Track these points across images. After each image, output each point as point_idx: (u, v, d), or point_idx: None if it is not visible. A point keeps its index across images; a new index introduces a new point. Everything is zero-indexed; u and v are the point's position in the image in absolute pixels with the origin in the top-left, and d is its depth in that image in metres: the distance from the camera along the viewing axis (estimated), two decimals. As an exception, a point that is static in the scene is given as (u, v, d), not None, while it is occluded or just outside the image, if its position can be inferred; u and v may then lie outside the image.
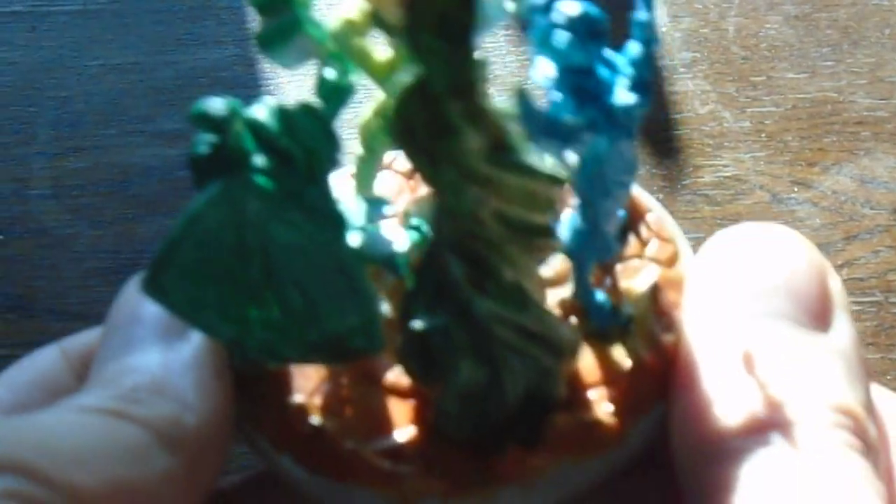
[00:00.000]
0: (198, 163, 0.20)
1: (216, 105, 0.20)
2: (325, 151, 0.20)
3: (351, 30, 0.21)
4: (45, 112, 0.75)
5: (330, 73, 0.21)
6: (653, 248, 0.25)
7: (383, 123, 0.22)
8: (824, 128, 0.68)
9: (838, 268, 0.62)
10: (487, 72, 0.19)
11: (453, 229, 0.20)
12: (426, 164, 0.20)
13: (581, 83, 0.20)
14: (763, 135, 0.68)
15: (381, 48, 0.21)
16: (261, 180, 0.20)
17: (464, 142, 0.19)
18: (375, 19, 0.20)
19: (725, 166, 0.67)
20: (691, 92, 0.70)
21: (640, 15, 0.20)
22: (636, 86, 0.20)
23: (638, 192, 0.26)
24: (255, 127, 0.20)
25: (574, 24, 0.19)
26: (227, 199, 0.20)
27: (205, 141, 0.20)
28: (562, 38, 0.19)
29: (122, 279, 0.66)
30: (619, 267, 0.25)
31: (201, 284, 0.20)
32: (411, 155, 0.20)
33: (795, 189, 0.65)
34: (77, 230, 0.69)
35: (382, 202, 0.24)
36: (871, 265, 0.62)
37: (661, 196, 0.66)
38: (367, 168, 0.24)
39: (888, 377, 0.57)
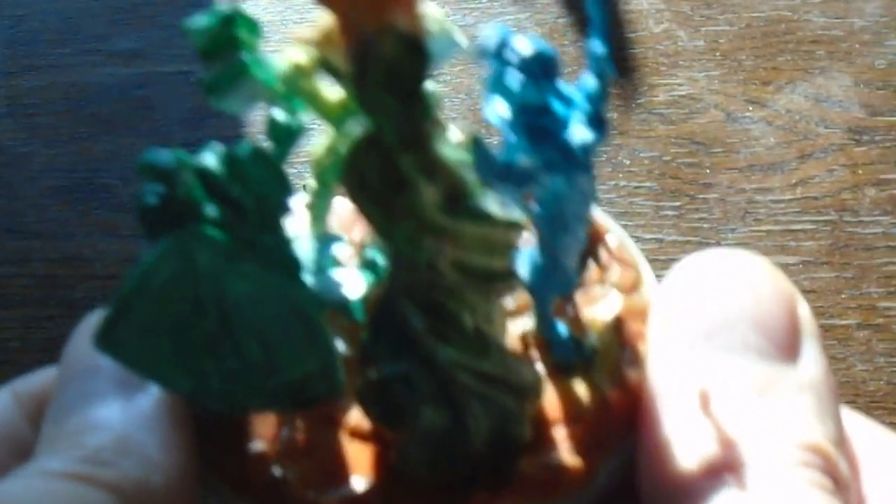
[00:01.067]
0: (147, 214, 0.20)
1: (163, 156, 0.20)
2: (277, 197, 0.20)
3: (299, 73, 0.21)
4: (-1, 31, 0.75)
5: (279, 115, 0.21)
6: (614, 273, 0.25)
7: (335, 159, 0.22)
8: (779, 46, 0.68)
9: (792, 186, 0.62)
10: (439, 118, 0.19)
11: (410, 279, 0.20)
12: (381, 217, 0.19)
13: (536, 122, 0.19)
14: (717, 53, 0.68)
15: (331, 88, 0.21)
16: (212, 232, 0.19)
17: (419, 195, 0.19)
18: (324, 64, 0.20)
19: (680, 85, 0.67)
20: (645, 10, 0.70)
21: (596, 48, 0.20)
22: (592, 120, 0.20)
23: (596, 213, 0.25)
24: (204, 176, 0.20)
25: (527, 64, 0.19)
26: (178, 253, 0.19)
27: (153, 192, 0.20)
28: (515, 78, 0.19)
29: (77, 198, 0.67)
30: (579, 295, 0.24)
31: (155, 338, 0.20)
32: (365, 208, 0.19)
33: (750, 108, 0.66)
34: (32, 149, 0.69)
35: (335, 239, 0.24)
36: (826, 184, 0.62)
37: (615, 115, 0.66)
38: (321, 202, 0.24)
39: (842, 296, 0.58)
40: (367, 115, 0.18)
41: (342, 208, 0.24)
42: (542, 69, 0.19)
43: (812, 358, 0.24)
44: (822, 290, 0.58)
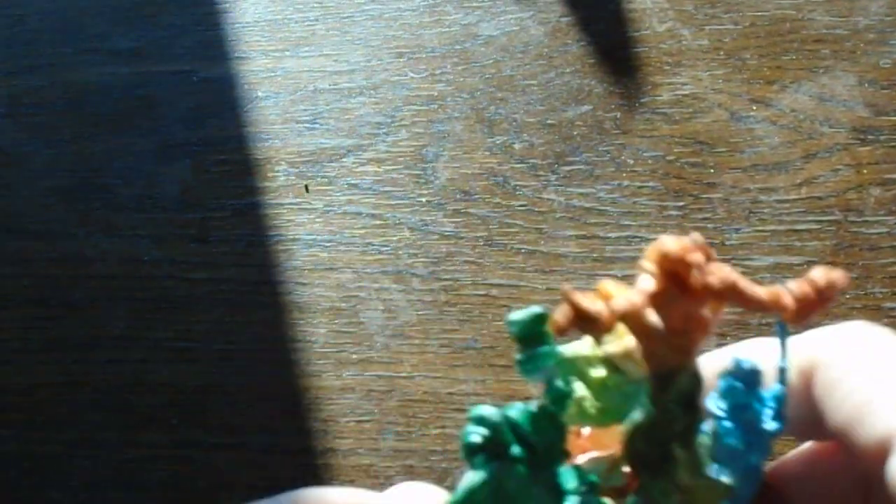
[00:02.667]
0: (470, 447, 0.28)
1: (491, 412, 0.28)
2: (558, 444, 0.29)
3: (584, 362, 0.28)
4: None
5: (559, 384, 0.29)
6: None
7: (579, 410, 0.30)
8: (783, 45, 0.68)
9: (797, 186, 0.62)
10: (702, 422, 0.27)
11: None
12: (647, 476, 0.27)
13: (744, 415, 0.28)
14: (721, 52, 0.68)
15: (595, 370, 0.29)
16: (518, 467, 0.28)
17: (678, 468, 0.27)
18: (608, 363, 0.28)
19: (684, 84, 0.67)
20: (650, 9, 0.70)
21: (782, 363, 0.27)
22: (777, 416, 0.28)
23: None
24: (515, 426, 0.28)
25: (746, 377, 0.27)
26: (494, 479, 0.28)
27: (477, 433, 0.28)
28: (735, 384, 0.27)
29: (77, 197, 0.66)
30: None
31: None
32: (637, 468, 0.28)
33: (754, 107, 0.65)
34: (33, 149, 0.69)
35: (571, 470, 0.31)
36: (830, 184, 0.62)
37: (618, 114, 0.66)
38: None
39: (847, 296, 0.58)
40: (657, 412, 0.27)
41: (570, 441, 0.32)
42: (753, 381, 0.27)
43: None
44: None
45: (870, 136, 0.64)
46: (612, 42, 0.69)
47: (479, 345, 0.59)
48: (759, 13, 0.69)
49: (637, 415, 0.28)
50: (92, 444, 0.57)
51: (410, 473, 0.55)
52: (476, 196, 0.64)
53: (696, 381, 0.27)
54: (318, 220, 0.64)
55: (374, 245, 0.63)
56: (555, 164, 0.64)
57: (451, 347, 0.59)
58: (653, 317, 0.26)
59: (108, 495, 0.56)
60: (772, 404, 0.29)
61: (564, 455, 0.29)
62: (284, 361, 0.59)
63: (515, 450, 0.29)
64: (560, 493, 0.30)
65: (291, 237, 0.63)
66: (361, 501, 0.29)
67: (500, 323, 0.59)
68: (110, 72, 0.72)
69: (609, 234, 0.61)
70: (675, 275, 0.26)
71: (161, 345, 0.60)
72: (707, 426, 0.29)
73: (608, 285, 0.28)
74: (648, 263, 0.27)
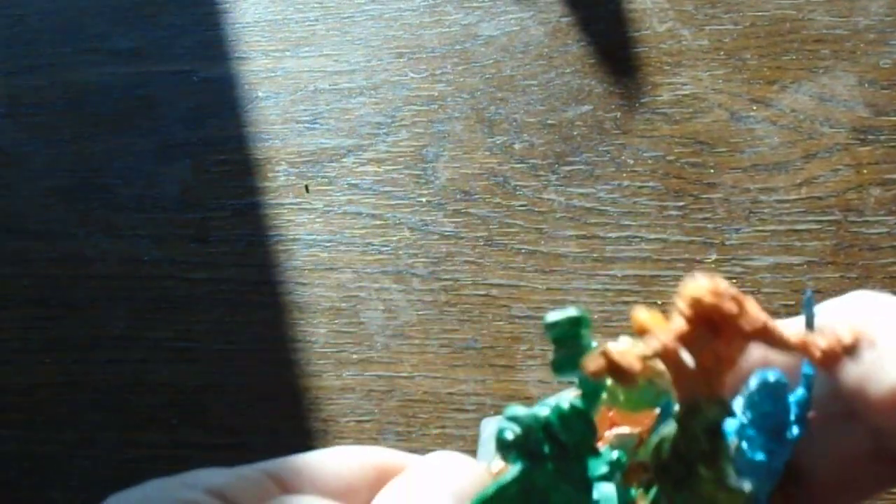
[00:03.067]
0: (504, 444, 0.31)
1: (524, 413, 0.31)
2: (588, 441, 0.31)
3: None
4: None
5: (591, 382, 0.31)
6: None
7: (611, 396, 0.33)
8: (783, 46, 0.68)
9: (797, 186, 0.62)
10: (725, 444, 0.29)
11: None
12: (670, 487, 0.30)
13: (770, 424, 0.31)
14: (721, 52, 0.68)
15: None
16: (548, 464, 0.31)
17: (703, 481, 0.29)
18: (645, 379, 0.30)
19: (684, 84, 0.67)
20: (650, 10, 0.70)
21: (807, 370, 0.30)
22: (799, 420, 0.30)
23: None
24: (546, 425, 0.31)
25: (771, 389, 0.30)
26: (525, 475, 0.31)
27: (510, 430, 0.31)
28: (763, 397, 0.30)
29: (77, 197, 0.66)
30: None
31: None
32: (661, 479, 0.30)
33: (754, 107, 0.65)
34: (33, 149, 0.69)
35: (602, 456, 0.34)
36: (830, 184, 0.62)
37: (618, 114, 0.66)
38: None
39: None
40: (684, 436, 0.29)
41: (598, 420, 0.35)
42: (778, 392, 0.30)
43: None
44: (827, 290, 0.57)
45: (870, 136, 0.64)
46: (613, 42, 0.69)
47: (479, 345, 0.59)
48: (759, 13, 0.69)
49: (666, 429, 0.30)
50: (92, 444, 0.57)
51: (410, 473, 0.55)
52: (476, 196, 0.64)
53: (722, 411, 0.29)
54: (318, 220, 0.64)
55: (374, 245, 0.63)
56: (555, 164, 0.64)
57: (451, 347, 0.59)
58: (685, 355, 0.29)
59: (107, 495, 0.56)
60: (795, 410, 0.31)
61: (593, 449, 0.32)
62: (285, 361, 0.59)
63: (546, 448, 0.32)
64: (588, 484, 0.33)
65: (291, 237, 0.63)
66: (391, 459, 0.30)
67: (500, 323, 0.59)
68: (110, 72, 0.72)
69: (609, 234, 0.61)
70: (707, 319, 0.28)
71: (161, 345, 0.61)
72: (732, 428, 0.32)
73: (643, 317, 0.29)
74: (683, 306, 0.29)
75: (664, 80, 0.67)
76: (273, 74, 0.70)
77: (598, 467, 0.34)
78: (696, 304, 0.28)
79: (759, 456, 0.32)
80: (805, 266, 0.59)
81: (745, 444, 0.31)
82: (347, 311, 0.60)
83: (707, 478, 0.30)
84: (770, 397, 0.31)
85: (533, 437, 0.31)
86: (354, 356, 0.59)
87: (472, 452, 0.54)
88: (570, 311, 0.32)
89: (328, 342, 0.59)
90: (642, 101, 0.66)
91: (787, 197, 0.62)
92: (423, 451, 0.56)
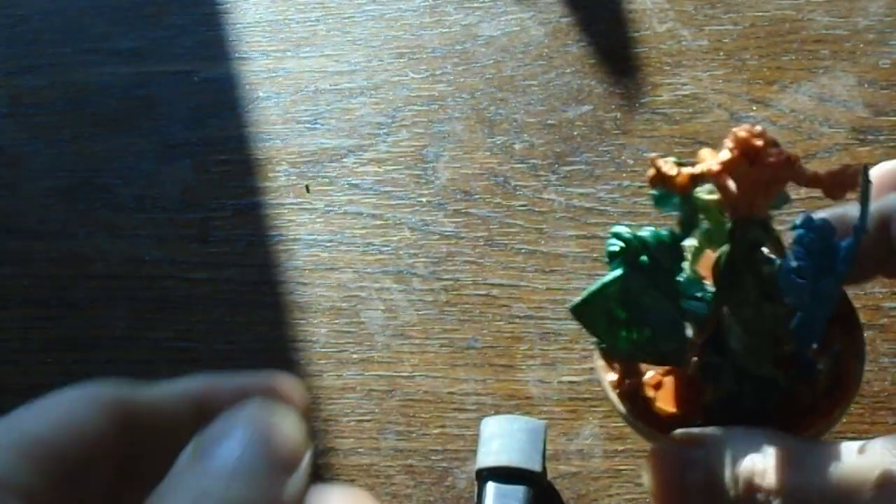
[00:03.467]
0: (610, 253, 0.38)
1: (626, 231, 0.38)
2: (676, 260, 0.39)
3: (707, 204, 0.37)
4: (0, 30, 0.75)
5: (687, 216, 0.37)
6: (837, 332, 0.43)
7: (706, 242, 0.40)
8: (783, 46, 0.68)
9: (796, 186, 0.62)
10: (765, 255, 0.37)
11: (737, 325, 0.39)
12: (726, 291, 0.38)
13: (819, 259, 0.37)
14: (721, 53, 0.68)
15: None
16: (642, 273, 0.37)
17: (748, 289, 0.37)
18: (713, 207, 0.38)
19: (684, 84, 0.67)
20: (650, 10, 0.70)
21: (859, 224, 0.36)
22: (846, 258, 0.37)
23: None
24: (644, 243, 0.38)
25: (823, 230, 0.36)
26: (623, 277, 0.38)
27: (615, 244, 0.38)
28: (807, 237, 0.37)
29: (78, 197, 0.66)
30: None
31: (601, 316, 0.39)
32: (718, 285, 0.38)
33: (754, 107, 0.65)
34: (33, 149, 0.69)
35: (697, 282, 0.42)
36: (829, 185, 0.62)
37: (619, 115, 0.66)
38: (695, 258, 0.43)
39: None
40: (734, 249, 0.37)
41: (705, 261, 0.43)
42: (825, 232, 0.36)
43: None
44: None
45: (870, 136, 0.64)
46: (613, 42, 0.69)
47: (479, 344, 0.59)
48: (759, 14, 0.69)
49: (722, 248, 0.39)
50: (93, 443, 0.58)
51: (411, 472, 0.55)
52: (476, 196, 0.64)
53: (763, 230, 0.37)
54: (318, 220, 0.64)
55: (374, 245, 0.63)
56: (555, 164, 0.64)
57: (452, 347, 0.59)
58: (729, 180, 0.36)
59: (108, 495, 0.56)
60: (843, 253, 0.39)
61: (680, 269, 0.40)
62: (285, 361, 0.59)
63: (643, 259, 0.39)
64: (675, 294, 0.41)
65: (292, 237, 0.63)
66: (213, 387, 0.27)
67: (501, 323, 0.59)
68: (111, 72, 0.72)
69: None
70: (745, 151, 0.36)
71: (162, 345, 0.61)
72: (790, 262, 0.39)
73: (704, 152, 0.37)
74: (728, 142, 0.36)
75: (664, 80, 0.67)
76: (274, 74, 0.70)
77: (697, 291, 0.43)
78: (735, 139, 0.35)
79: (803, 275, 0.39)
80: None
81: (787, 267, 0.38)
82: (348, 310, 0.60)
83: (751, 285, 0.39)
84: (817, 236, 0.38)
85: (632, 250, 0.39)
86: (355, 356, 0.59)
87: (472, 451, 0.55)
88: (671, 158, 0.40)
89: (329, 342, 0.60)
90: (642, 101, 0.66)
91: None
92: (423, 449, 0.56)
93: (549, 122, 0.66)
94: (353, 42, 0.71)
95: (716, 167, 0.36)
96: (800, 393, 0.45)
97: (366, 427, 0.57)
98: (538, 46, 0.70)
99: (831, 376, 0.44)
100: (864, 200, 0.37)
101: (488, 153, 0.65)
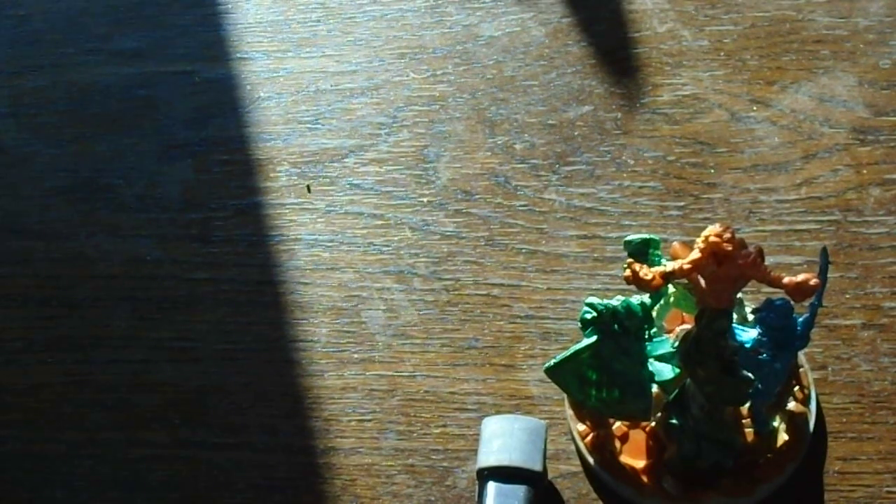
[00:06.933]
0: (584, 321, 0.45)
1: (599, 304, 0.45)
2: (645, 327, 0.46)
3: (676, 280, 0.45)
4: (2, 30, 0.75)
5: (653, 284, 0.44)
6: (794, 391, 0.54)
7: (674, 302, 0.50)
8: (783, 46, 0.68)
9: (797, 186, 0.62)
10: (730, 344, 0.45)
11: (695, 389, 0.47)
12: (689, 370, 0.47)
13: (777, 336, 0.47)
14: (721, 53, 0.68)
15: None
16: (613, 339, 0.45)
17: (711, 370, 0.45)
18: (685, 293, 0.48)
19: (684, 85, 0.67)
20: (650, 10, 0.70)
21: (815, 302, 0.46)
22: (803, 337, 0.47)
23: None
24: (615, 313, 0.45)
25: (783, 311, 0.46)
26: (596, 344, 0.45)
27: (588, 313, 0.45)
28: (769, 318, 0.46)
29: (80, 198, 0.67)
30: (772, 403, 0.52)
31: (572, 377, 0.46)
32: (685, 364, 0.47)
33: (754, 108, 0.66)
34: (35, 149, 0.69)
35: (663, 339, 0.50)
36: (830, 184, 0.62)
37: (619, 115, 0.66)
38: (663, 312, 0.50)
39: (847, 296, 0.58)
40: (700, 335, 0.45)
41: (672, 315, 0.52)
42: (785, 312, 0.45)
43: None
44: (827, 290, 0.58)
45: (870, 137, 0.64)
46: (613, 43, 0.69)
47: (480, 344, 0.59)
48: (760, 14, 0.69)
49: (689, 328, 0.46)
50: (94, 443, 0.58)
51: (412, 472, 0.55)
52: (477, 196, 0.64)
53: (728, 321, 0.44)
54: (319, 220, 0.64)
55: (375, 245, 0.63)
56: (556, 164, 0.64)
57: (453, 347, 0.59)
58: (699, 277, 0.42)
59: (109, 495, 0.56)
60: (801, 328, 0.46)
61: (649, 336, 0.46)
62: (286, 361, 0.59)
63: (615, 327, 0.45)
64: (644, 359, 0.47)
65: (293, 237, 0.64)
66: None
67: (502, 323, 0.59)
68: (113, 72, 0.72)
69: (610, 234, 0.61)
70: (715, 253, 0.41)
71: (163, 345, 0.61)
72: (750, 338, 0.47)
73: (677, 248, 0.45)
74: (699, 242, 0.41)
75: (665, 80, 0.67)
76: (275, 75, 0.70)
77: (662, 349, 0.48)
78: (706, 241, 0.41)
79: (763, 353, 0.45)
80: (805, 266, 0.59)
81: (751, 345, 0.46)
82: (349, 310, 0.61)
83: (715, 365, 0.44)
84: (778, 316, 0.45)
85: (604, 319, 0.45)
86: (356, 356, 0.59)
87: (473, 451, 0.55)
88: (645, 236, 0.48)
89: (330, 342, 0.60)
90: (643, 101, 0.66)
91: (787, 197, 0.62)
92: (424, 449, 0.56)
93: (550, 122, 0.66)
94: (355, 42, 0.71)
95: (686, 266, 0.42)
96: (755, 447, 0.51)
97: (367, 427, 0.57)
98: (539, 47, 0.70)
99: (786, 430, 0.51)
100: (823, 279, 0.42)
101: (489, 153, 0.65)
